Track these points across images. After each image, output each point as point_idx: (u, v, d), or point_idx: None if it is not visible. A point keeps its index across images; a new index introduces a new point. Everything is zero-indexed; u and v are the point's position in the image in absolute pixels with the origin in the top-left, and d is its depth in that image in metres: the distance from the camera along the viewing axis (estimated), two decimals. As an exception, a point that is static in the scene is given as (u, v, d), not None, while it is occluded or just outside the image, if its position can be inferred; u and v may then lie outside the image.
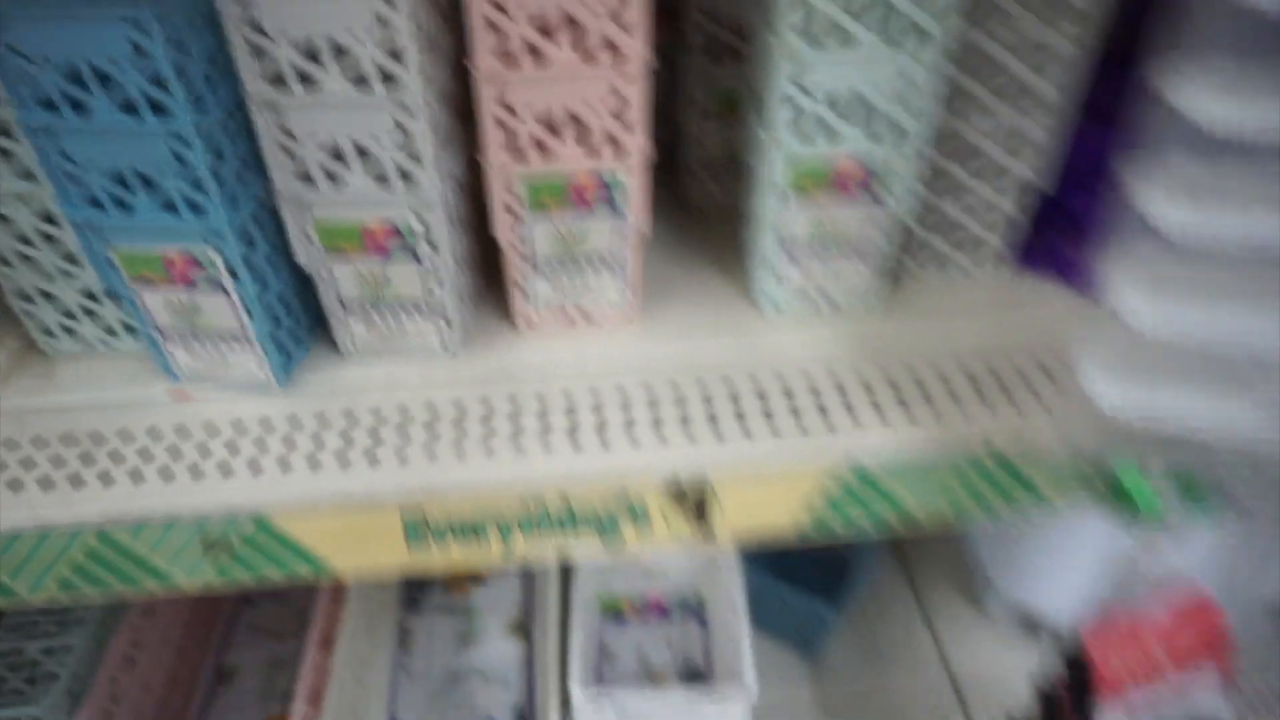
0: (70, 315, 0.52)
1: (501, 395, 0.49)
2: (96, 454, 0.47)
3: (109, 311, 0.51)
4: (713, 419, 0.48)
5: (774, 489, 0.46)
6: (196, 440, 0.47)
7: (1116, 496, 0.47)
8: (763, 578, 0.77)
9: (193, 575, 0.45)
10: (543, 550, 0.47)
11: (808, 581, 0.79)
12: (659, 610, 0.74)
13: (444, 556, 0.46)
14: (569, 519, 0.46)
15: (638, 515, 0.46)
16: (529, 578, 0.78)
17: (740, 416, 0.48)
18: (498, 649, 0.73)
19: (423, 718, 0.69)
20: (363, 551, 0.46)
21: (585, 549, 0.47)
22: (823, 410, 0.48)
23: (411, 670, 0.72)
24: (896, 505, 0.47)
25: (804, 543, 0.85)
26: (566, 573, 0.72)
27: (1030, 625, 0.84)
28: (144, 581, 0.45)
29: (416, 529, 0.45)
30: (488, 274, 0.56)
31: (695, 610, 0.74)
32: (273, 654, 0.75)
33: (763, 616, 0.79)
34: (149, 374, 0.51)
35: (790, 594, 0.78)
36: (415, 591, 0.77)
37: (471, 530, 0.46)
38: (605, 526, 0.46)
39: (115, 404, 0.50)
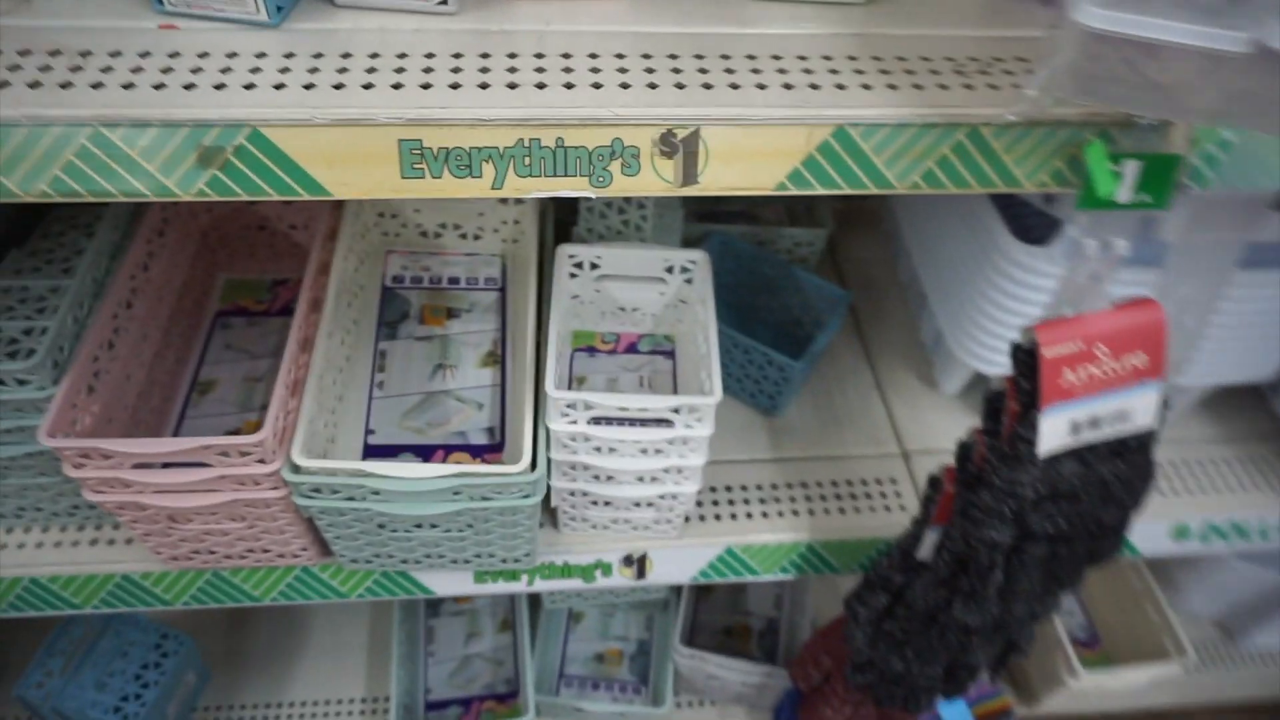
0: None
1: (499, 47, 0.50)
2: (87, 65, 0.46)
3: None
4: (705, 74, 0.49)
5: (760, 144, 0.48)
6: (189, 62, 0.47)
7: (1079, 175, 0.50)
8: (729, 334, 0.80)
9: (186, 185, 0.46)
10: (533, 188, 0.48)
11: (770, 344, 0.82)
12: (629, 347, 0.76)
13: (436, 185, 0.47)
14: (561, 157, 0.47)
15: (627, 159, 0.47)
16: (503, 315, 0.80)
17: (731, 74, 0.49)
18: (472, 376, 0.75)
19: (397, 430, 0.72)
20: (356, 173, 0.47)
21: (574, 189, 0.48)
22: (812, 78, 0.49)
23: (387, 389, 0.74)
24: (874, 172, 0.50)
25: (770, 302, 0.88)
26: (540, 314, 0.74)
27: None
28: (136, 186, 0.46)
29: (412, 155, 0.46)
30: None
31: (665, 349, 0.77)
32: (249, 371, 0.77)
33: (725, 373, 0.83)
34: (136, 8, 0.51)
35: (755, 347, 0.81)
36: (392, 319, 0.78)
37: (465, 161, 0.47)
38: (595, 167, 0.48)
39: (102, 29, 0.49)
